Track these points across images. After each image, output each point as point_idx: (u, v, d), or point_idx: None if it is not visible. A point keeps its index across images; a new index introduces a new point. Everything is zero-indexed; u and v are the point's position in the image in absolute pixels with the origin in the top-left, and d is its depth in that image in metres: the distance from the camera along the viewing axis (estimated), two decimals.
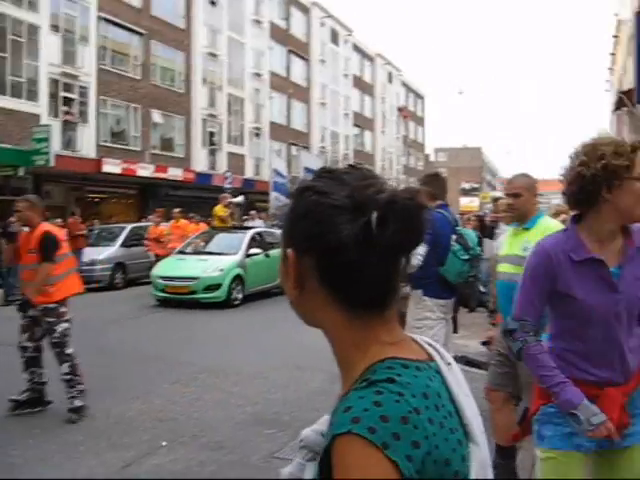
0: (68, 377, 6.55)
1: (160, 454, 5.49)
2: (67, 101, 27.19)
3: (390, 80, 66.68)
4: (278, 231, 18.73)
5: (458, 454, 1.05)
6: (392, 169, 65.94)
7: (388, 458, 0.95)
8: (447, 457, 1.02)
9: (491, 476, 1.13)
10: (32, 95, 25.37)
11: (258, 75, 41.14)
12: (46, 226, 6.82)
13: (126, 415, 6.59)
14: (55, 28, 26.31)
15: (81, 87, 27.96)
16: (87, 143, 27.94)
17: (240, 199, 21.07)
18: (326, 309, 1.12)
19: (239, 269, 15.30)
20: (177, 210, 19.38)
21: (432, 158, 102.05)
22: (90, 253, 18.97)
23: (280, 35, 44.60)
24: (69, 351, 6.62)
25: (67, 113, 26.56)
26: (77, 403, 6.49)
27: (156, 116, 32.61)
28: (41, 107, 25.67)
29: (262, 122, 41.62)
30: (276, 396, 7.33)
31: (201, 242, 16.93)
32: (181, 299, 14.61)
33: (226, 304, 14.61)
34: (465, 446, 1.08)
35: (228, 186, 29.39)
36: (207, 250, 16.29)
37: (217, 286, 14.66)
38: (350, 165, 1.17)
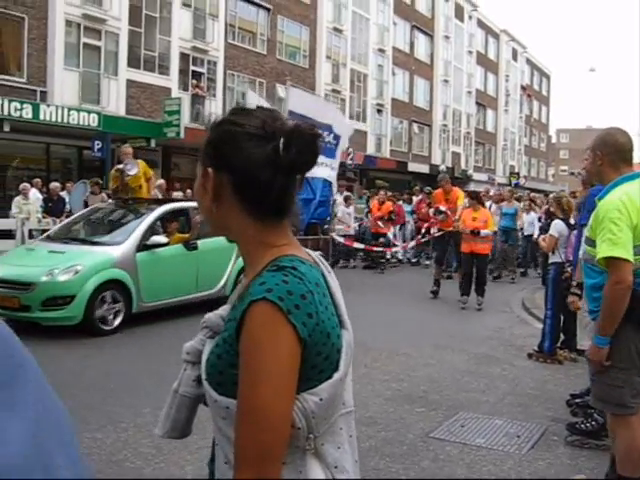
0: None
1: None
2: (196, 75, 27.73)
3: (515, 57, 64.37)
4: None
5: (335, 332, 1.36)
6: (514, 149, 63.94)
7: (289, 321, 1.26)
8: (329, 331, 1.33)
9: (351, 352, 1.41)
10: (164, 69, 26.03)
11: (381, 51, 40.64)
12: None
13: None
14: (187, 4, 26.83)
15: (209, 62, 28.45)
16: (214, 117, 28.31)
17: (129, 168, 11.81)
18: (237, 217, 1.41)
19: (118, 270, 9.07)
20: None
21: (554, 139, 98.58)
22: None
23: (404, 10, 43.74)
24: None
25: (196, 86, 27.02)
26: None
27: (281, 91, 32.78)
28: (172, 81, 26.28)
29: (384, 98, 41.08)
30: (420, 374, 7.08)
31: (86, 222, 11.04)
32: (9, 316, 7.97)
33: (87, 329, 8.61)
34: (339, 328, 1.39)
35: (350, 162, 29.26)
36: (84, 237, 10.39)
37: (65, 299, 8.52)
38: (258, 106, 1.47)
